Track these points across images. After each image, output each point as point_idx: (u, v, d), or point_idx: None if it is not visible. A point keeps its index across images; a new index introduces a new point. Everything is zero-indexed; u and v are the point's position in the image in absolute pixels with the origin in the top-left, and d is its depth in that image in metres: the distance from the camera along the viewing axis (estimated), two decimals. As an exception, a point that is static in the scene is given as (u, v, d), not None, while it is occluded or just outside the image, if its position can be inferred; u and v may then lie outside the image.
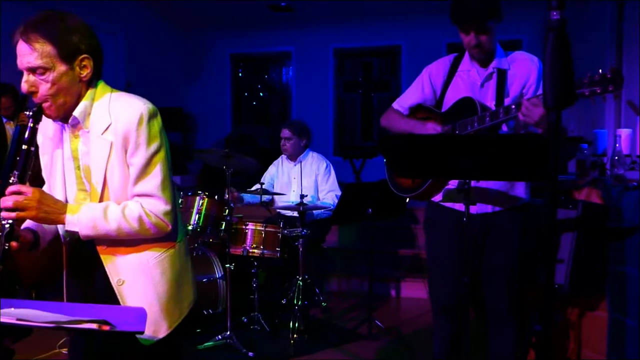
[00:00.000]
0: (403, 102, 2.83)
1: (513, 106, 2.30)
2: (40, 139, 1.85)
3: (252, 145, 8.11)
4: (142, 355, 1.81)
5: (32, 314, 1.34)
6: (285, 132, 4.60)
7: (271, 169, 4.85)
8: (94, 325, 1.26)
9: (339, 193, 4.47)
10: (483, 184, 2.55)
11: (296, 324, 3.81)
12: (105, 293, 1.81)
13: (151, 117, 1.78)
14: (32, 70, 1.69)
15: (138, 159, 1.76)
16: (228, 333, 3.75)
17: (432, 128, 2.54)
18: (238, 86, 9.53)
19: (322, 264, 5.37)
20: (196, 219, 3.88)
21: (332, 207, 4.28)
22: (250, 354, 3.62)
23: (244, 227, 3.99)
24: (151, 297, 1.82)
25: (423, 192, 2.63)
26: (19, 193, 1.65)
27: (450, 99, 2.64)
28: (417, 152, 2.27)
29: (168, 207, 1.81)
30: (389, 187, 2.81)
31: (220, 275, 4.08)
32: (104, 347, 1.84)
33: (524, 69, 2.54)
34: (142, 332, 1.41)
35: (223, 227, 3.87)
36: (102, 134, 1.75)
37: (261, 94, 9.59)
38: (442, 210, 2.64)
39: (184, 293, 1.94)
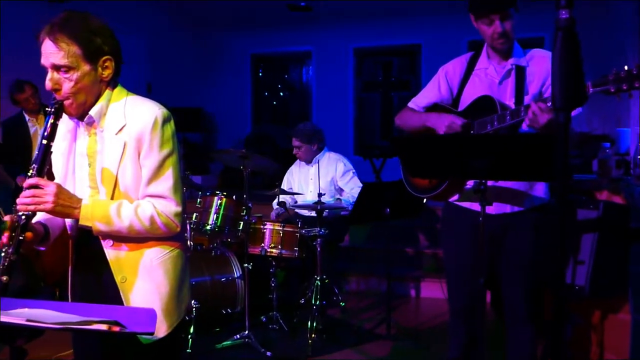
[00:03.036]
0: (419, 102, 2.80)
1: (522, 109, 2.26)
2: (58, 138, 1.89)
3: (271, 145, 8.13)
4: (142, 354, 1.83)
5: (44, 314, 1.35)
6: (295, 141, 4.61)
7: (286, 178, 4.87)
8: (104, 327, 1.27)
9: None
10: (502, 183, 2.51)
11: (314, 324, 3.81)
12: (111, 291, 1.83)
13: (165, 121, 1.81)
14: (57, 68, 1.73)
15: (151, 161, 1.80)
16: (246, 332, 3.76)
17: (451, 121, 2.49)
18: (258, 86, 9.57)
19: (341, 264, 5.37)
20: (214, 218, 3.90)
21: (349, 207, 4.27)
22: (268, 353, 3.63)
23: (262, 227, 4.01)
24: (153, 297, 1.85)
25: (440, 193, 2.59)
26: (36, 186, 1.70)
27: (467, 98, 2.60)
28: (431, 152, 2.25)
29: (179, 209, 1.85)
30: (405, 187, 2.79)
31: (238, 274, 4.10)
32: (105, 345, 1.87)
33: (542, 67, 2.49)
34: (152, 333, 1.42)
35: (241, 226, 3.89)
36: (116, 134, 1.79)
37: (281, 94, 9.62)
38: (459, 211, 2.61)
39: (183, 295, 1.97)
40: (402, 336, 4.02)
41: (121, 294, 1.84)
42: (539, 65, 2.49)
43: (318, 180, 4.21)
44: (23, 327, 1.20)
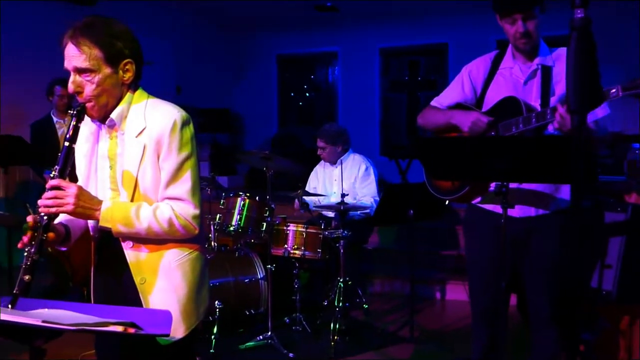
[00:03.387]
0: (442, 101, 2.77)
1: (548, 111, 2.22)
2: (80, 140, 1.92)
3: (297, 145, 8.14)
4: (159, 355, 1.85)
5: (61, 315, 1.37)
6: (320, 142, 4.60)
7: (311, 178, 4.87)
8: (118, 328, 1.28)
9: (377, 199, 4.42)
10: (526, 186, 2.46)
11: (337, 326, 3.79)
12: (131, 292, 1.86)
13: (184, 124, 1.83)
14: (79, 71, 1.76)
15: (170, 164, 1.81)
16: (269, 333, 3.77)
17: (476, 117, 2.45)
18: (284, 87, 9.59)
19: (366, 266, 5.34)
20: (237, 219, 3.91)
21: (371, 209, 4.25)
22: (291, 354, 3.62)
23: (285, 228, 4.01)
24: (171, 299, 1.86)
25: (463, 195, 2.56)
26: (58, 188, 1.72)
27: (491, 98, 2.57)
28: (453, 153, 2.22)
29: (197, 212, 1.86)
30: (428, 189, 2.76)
31: (262, 275, 4.11)
32: (125, 345, 1.90)
33: None
34: (167, 335, 1.43)
35: (264, 228, 3.90)
36: (136, 136, 1.82)
37: (307, 95, 9.63)
38: (482, 213, 2.57)
39: (202, 297, 1.98)
40: (426, 339, 3.98)
41: (140, 295, 1.86)
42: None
43: (341, 181, 4.19)
44: (39, 328, 1.21)
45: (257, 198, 3.95)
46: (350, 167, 4.64)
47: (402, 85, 8.88)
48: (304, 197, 4.37)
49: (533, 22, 2.37)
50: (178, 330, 1.88)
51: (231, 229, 3.91)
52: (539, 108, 2.35)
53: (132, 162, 1.82)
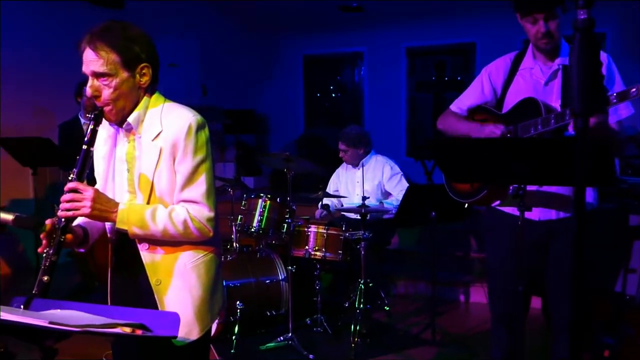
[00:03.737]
0: (461, 104, 2.75)
1: (567, 112, 2.17)
2: (99, 143, 1.96)
3: (323, 146, 8.14)
4: (174, 356, 1.87)
5: (70, 316, 1.39)
6: (341, 145, 4.59)
7: (333, 179, 4.87)
8: (123, 330, 1.30)
9: None
10: (546, 188, 2.42)
11: (357, 328, 3.78)
12: (146, 293, 1.88)
13: (199, 128, 1.84)
14: (97, 75, 1.79)
15: (185, 167, 1.83)
16: (290, 334, 3.78)
17: (490, 131, 2.43)
18: (310, 87, 9.60)
19: (389, 267, 5.32)
20: (258, 221, 3.93)
21: (393, 210, 4.22)
22: (311, 356, 3.63)
23: (306, 229, 4.02)
24: (186, 300, 1.88)
25: (482, 198, 2.52)
26: (76, 191, 1.76)
27: (511, 100, 2.53)
28: (469, 155, 2.19)
29: (212, 214, 1.87)
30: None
31: (283, 277, 4.12)
32: (140, 345, 1.92)
33: None
34: (175, 337, 1.44)
35: (284, 229, 3.91)
36: (152, 140, 1.84)
37: (333, 95, 9.62)
38: (501, 216, 2.54)
39: (217, 299, 2.00)
40: (448, 342, 3.94)
41: (155, 296, 1.88)
42: None
43: (362, 183, 4.18)
44: (45, 329, 1.23)
45: (278, 199, 3.97)
46: (373, 169, 4.62)
47: (429, 86, 8.80)
48: (325, 198, 4.36)
49: (555, 22, 2.32)
50: (193, 332, 1.90)
51: (252, 230, 3.93)
52: (559, 109, 2.30)
53: (149, 165, 1.84)
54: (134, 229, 1.81)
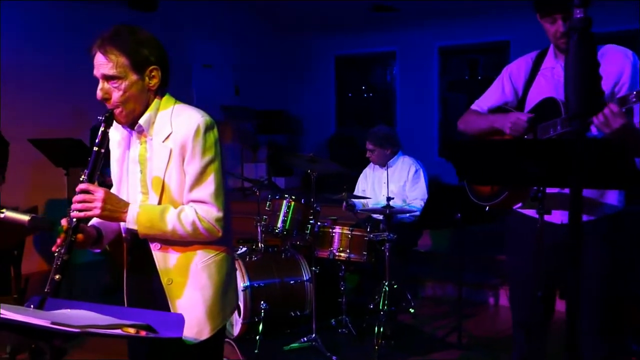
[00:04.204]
0: (482, 104, 2.70)
1: None
2: (113, 145, 2.00)
3: (353, 147, 8.11)
4: (185, 355, 1.89)
5: (77, 316, 1.42)
6: (368, 145, 4.56)
7: (361, 179, 4.85)
8: (121, 331, 1.31)
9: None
10: (568, 190, 2.35)
11: (381, 330, 3.76)
12: (160, 293, 1.91)
13: (207, 129, 1.86)
14: (107, 78, 1.83)
15: (193, 168, 1.85)
16: (313, 335, 3.79)
17: (516, 117, 2.37)
18: (342, 87, 9.58)
19: (418, 269, 5.27)
20: (283, 221, 3.94)
21: (418, 212, 4.18)
22: (334, 357, 3.62)
23: (330, 230, 4.01)
24: (197, 300, 1.90)
25: (503, 201, 2.47)
26: (87, 192, 1.80)
27: (532, 100, 2.47)
28: (484, 157, 2.14)
29: (220, 214, 1.88)
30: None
31: (307, 277, 4.12)
32: (152, 344, 1.94)
33: (616, 64, 2.29)
34: (179, 338, 1.45)
35: (308, 230, 3.91)
36: (163, 141, 1.87)
37: (365, 95, 9.58)
38: (521, 218, 2.48)
39: (228, 298, 2.01)
40: (473, 345, 3.88)
41: (167, 295, 1.91)
42: (612, 62, 2.30)
43: (387, 184, 4.15)
44: (45, 329, 1.26)
45: (302, 200, 3.97)
46: (399, 170, 4.58)
47: (461, 85, 8.69)
48: (350, 199, 4.35)
49: None
50: (204, 331, 1.92)
51: (276, 231, 3.95)
52: None
53: (160, 166, 1.87)
54: (144, 229, 1.84)
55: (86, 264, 5.79)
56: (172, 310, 1.89)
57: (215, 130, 1.90)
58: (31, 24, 5.97)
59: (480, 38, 8.28)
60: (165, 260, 1.91)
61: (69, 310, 1.53)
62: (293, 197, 3.97)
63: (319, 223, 3.98)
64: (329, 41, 9.30)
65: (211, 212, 1.87)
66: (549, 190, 2.23)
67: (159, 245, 1.91)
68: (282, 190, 6.75)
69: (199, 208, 1.86)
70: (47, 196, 5.92)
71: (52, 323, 1.27)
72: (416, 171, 4.54)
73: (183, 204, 1.89)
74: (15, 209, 2.57)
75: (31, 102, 5.89)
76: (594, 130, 2.26)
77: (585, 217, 2.36)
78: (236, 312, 3.94)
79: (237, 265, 3.93)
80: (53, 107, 6.07)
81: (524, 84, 2.53)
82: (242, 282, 3.88)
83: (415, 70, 8.80)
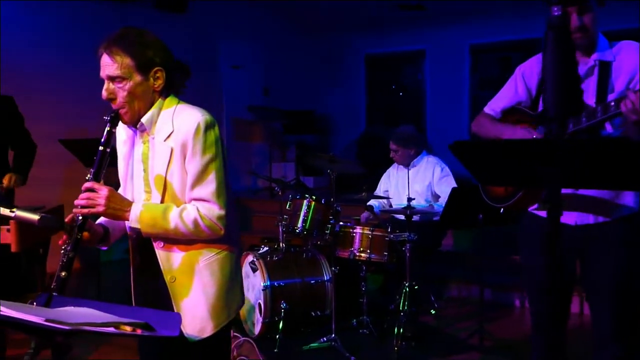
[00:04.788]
0: (495, 105, 2.66)
1: (612, 102, 2.03)
2: (119, 144, 2.05)
3: (382, 146, 8.07)
4: (188, 352, 1.92)
5: (75, 314, 1.45)
6: (392, 145, 4.55)
7: (384, 179, 4.82)
8: (114, 329, 1.34)
9: None
10: (583, 191, 2.29)
11: (401, 330, 3.73)
12: (165, 290, 1.94)
13: (208, 127, 1.89)
14: (112, 79, 1.88)
15: (194, 166, 1.89)
16: (333, 336, 3.78)
17: (522, 134, 2.33)
18: (372, 87, 9.53)
19: (442, 270, 5.21)
20: (303, 221, 3.95)
21: (439, 212, 4.13)
22: (352, 358, 3.61)
23: (351, 230, 4.01)
24: (200, 297, 1.93)
25: (517, 202, 2.42)
26: (92, 190, 1.85)
27: (547, 99, 2.42)
28: (493, 157, 2.11)
29: (222, 212, 1.91)
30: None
31: (328, 277, 4.12)
32: (158, 342, 1.98)
33: (631, 60, 2.22)
34: (175, 337, 1.47)
35: (329, 230, 3.91)
36: (164, 140, 1.91)
37: (395, 94, 9.52)
38: (535, 219, 2.43)
39: (232, 296, 2.03)
40: (495, 348, 3.82)
41: (170, 293, 1.94)
42: (627, 58, 2.23)
43: (407, 184, 4.12)
44: (39, 326, 1.29)
45: (322, 201, 3.97)
46: (424, 170, 4.54)
47: (493, 83, 8.53)
48: (372, 200, 4.33)
49: (589, 16, 2.19)
50: (206, 328, 1.94)
51: (297, 231, 3.96)
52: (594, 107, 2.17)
53: (162, 165, 1.91)
54: (146, 228, 1.88)
55: (115, 262, 5.90)
56: (175, 308, 1.92)
57: (217, 128, 1.93)
58: (66, 25, 6.13)
59: (512, 35, 8.13)
60: (168, 258, 1.95)
61: (71, 307, 1.57)
62: (313, 197, 3.98)
63: (340, 223, 3.98)
64: (359, 40, 9.25)
65: (213, 210, 1.89)
66: (562, 191, 2.17)
67: (162, 243, 1.95)
68: (309, 189, 6.77)
69: (200, 206, 1.89)
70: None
71: (46, 320, 1.30)
72: (442, 169, 4.50)
73: (184, 202, 1.92)
74: (38, 209, 2.64)
75: (63, 103, 6.05)
76: (608, 128, 2.22)
77: (600, 219, 2.30)
78: (257, 311, 3.97)
79: (257, 265, 3.98)
80: (85, 108, 6.21)
81: (538, 83, 2.48)
82: (262, 282, 3.91)
83: (446, 68, 8.68)
